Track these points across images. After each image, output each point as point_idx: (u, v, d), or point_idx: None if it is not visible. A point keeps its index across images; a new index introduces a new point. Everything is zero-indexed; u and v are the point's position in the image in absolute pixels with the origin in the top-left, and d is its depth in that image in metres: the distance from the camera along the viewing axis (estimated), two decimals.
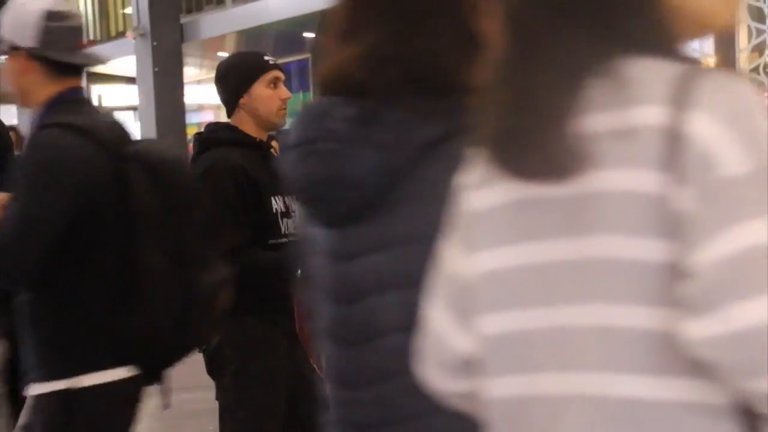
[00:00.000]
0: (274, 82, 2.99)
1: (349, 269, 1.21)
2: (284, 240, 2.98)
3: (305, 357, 2.98)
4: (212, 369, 3.00)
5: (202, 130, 3.14)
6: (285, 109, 3.02)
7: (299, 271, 2.25)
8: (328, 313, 1.25)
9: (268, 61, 3.02)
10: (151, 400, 2.50)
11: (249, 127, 3.00)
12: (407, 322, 1.14)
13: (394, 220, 1.18)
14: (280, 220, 2.98)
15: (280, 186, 2.98)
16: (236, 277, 2.88)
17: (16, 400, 4.03)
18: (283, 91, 3.01)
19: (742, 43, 9.95)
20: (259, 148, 3.01)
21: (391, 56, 1.18)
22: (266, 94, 2.97)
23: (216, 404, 3.05)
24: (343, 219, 1.21)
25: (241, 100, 2.99)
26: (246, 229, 2.89)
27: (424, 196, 1.16)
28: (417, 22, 1.18)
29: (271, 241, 2.95)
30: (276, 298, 2.92)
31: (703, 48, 10.60)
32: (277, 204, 2.97)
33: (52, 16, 2.33)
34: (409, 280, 1.16)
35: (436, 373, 1.08)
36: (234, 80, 3.01)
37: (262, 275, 2.93)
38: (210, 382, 3.06)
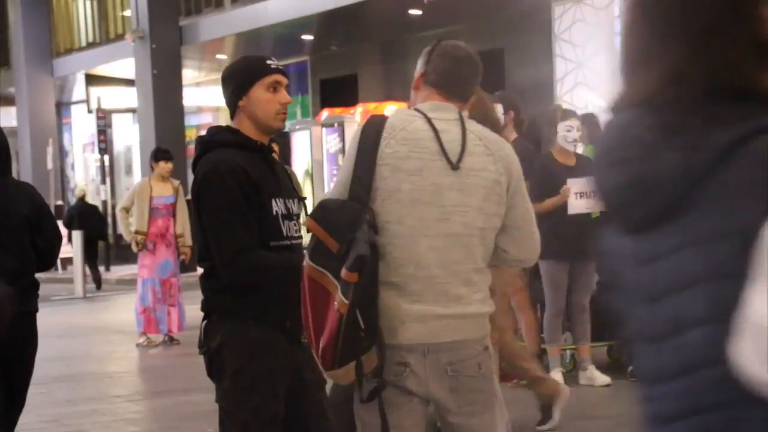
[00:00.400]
0: (274, 86, 2.97)
1: (654, 269, 1.27)
2: (286, 242, 2.97)
3: (305, 359, 2.97)
4: (212, 371, 2.98)
5: (204, 132, 3.13)
6: (284, 113, 3.01)
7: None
8: (635, 314, 1.32)
9: (269, 65, 2.99)
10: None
11: (249, 130, 2.99)
12: (713, 314, 1.20)
13: (698, 219, 1.23)
14: (281, 222, 2.96)
15: (282, 189, 2.99)
16: (243, 278, 2.88)
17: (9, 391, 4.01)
18: (282, 95, 2.98)
19: None
20: (260, 150, 3.01)
21: (691, 73, 1.26)
22: (264, 98, 2.96)
23: (214, 406, 3.04)
24: (647, 222, 1.26)
25: (240, 103, 2.97)
26: (253, 229, 2.89)
27: (728, 194, 1.22)
28: (713, 36, 1.25)
29: (273, 243, 2.94)
30: (277, 300, 2.91)
31: None
32: (277, 206, 2.95)
33: None
34: (716, 274, 1.22)
35: (759, 361, 1.13)
36: (234, 83, 3.00)
37: (268, 276, 2.93)
38: (208, 384, 3.05)
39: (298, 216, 3.04)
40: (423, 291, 2.55)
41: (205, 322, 2.99)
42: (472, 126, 2.68)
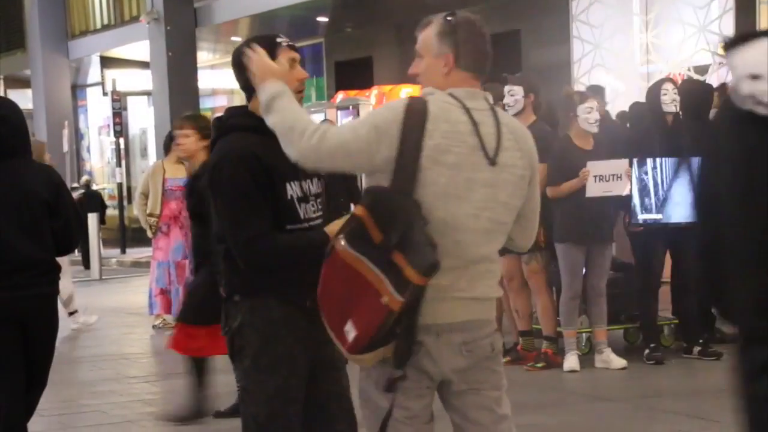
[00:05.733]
0: (290, 64, 2.94)
1: None
2: (304, 225, 2.96)
3: (325, 338, 2.97)
4: (233, 351, 2.99)
5: (222, 113, 3.10)
6: (302, 90, 2.97)
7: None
8: None
9: (280, 42, 2.96)
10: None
11: None
12: None
13: None
14: (297, 206, 2.95)
15: (298, 171, 2.96)
16: (257, 264, 2.87)
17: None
18: (298, 71, 2.94)
19: (764, 22, 9.81)
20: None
21: None
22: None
23: (229, 387, 3.04)
24: None
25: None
26: (265, 215, 2.87)
27: None
28: None
29: (289, 227, 2.93)
30: (297, 280, 2.91)
31: (722, 31, 10.49)
32: (292, 190, 2.94)
33: None
34: None
35: None
36: (247, 65, 2.92)
37: (282, 260, 2.92)
38: (223, 366, 3.05)
39: (317, 195, 3.02)
40: (438, 276, 2.54)
41: (226, 302, 2.98)
42: (504, 118, 2.66)
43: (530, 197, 2.71)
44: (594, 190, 6.27)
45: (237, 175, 2.85)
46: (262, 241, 2.84)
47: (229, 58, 3.05)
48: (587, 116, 6.34)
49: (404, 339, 2.49)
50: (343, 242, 2.48)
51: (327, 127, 2.59)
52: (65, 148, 20.12)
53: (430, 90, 2.62)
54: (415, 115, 2.53)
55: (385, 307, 2.42)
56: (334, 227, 2.88)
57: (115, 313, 10.55)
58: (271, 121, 2.66)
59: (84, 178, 17.31)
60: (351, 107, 14.12)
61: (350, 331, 2.48)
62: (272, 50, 2.93)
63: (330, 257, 2.51)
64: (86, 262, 15.37)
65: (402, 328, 2.46)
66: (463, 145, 2.55)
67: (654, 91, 6.58)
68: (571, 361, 6.39)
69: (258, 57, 2.80)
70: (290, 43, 2.98)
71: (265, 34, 3.08)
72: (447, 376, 2.60)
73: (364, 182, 2.70)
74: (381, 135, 2.52)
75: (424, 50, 2.66)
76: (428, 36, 2.64)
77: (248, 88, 2.97)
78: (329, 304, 2.53)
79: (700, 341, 6.58)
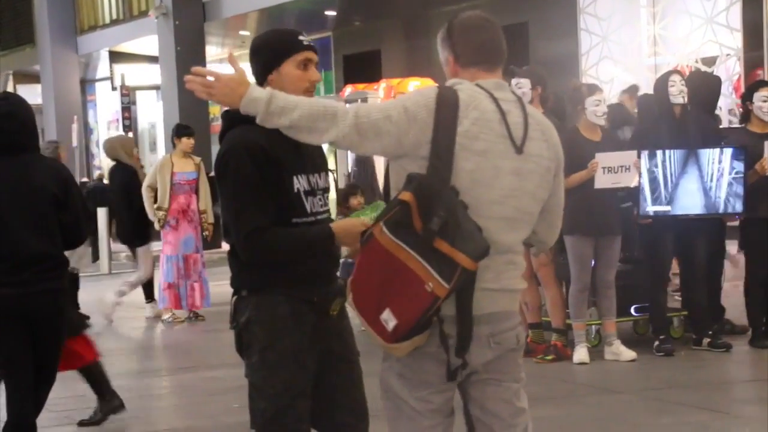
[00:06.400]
0: (305, 63, 2.91)
1: None
2: (311, 218, 2.96)
3: (334, 333, 2.97)
4: (240, 347, 3.00)
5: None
6: (312, 91, 2.97)
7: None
8: None
9: (301, 41, 2.95)
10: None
11: None
12: None
13: None
14: (304, 199, 2.95)
15: (306, 165, 2.97)
16: (258, 257, 2.88)
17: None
18: (312, 72, 2.94)
19: None
20: None
21: None
22: (295, 74, 2.90)
23: (240, 382, 3.05)
24: None
25: (270, 77, 2.90)
26: (268, 209, 2.88)
27: None
28: None
29: (295, 220, 2.93)
30: (304, 275, 2.91)
31: (730, 22, 10.46)
32: (299, 183, 2.94)
33: None
34: None
35: None
36: (265, 56, 2.96)
37: (283, 254, 2.92)
38: (234, 360, 3.06)
39: (324, 190, 3.02)
40: None
41: (235, 297, 2.99)
42: (531, 109, 2.68)
43: (555, 191, 2.73)
44: (602, 181, 6.27)
45: (242, 167, 2.85)
46: (263, 234, 2.84)
47: (238, 53, 3.05)
48: (595, 108, 6.34)
49: (463, 327, 2.49)
50: (384, 229, 2.45)
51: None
52: (74, 143, 20.18)
53: (458, 80, 2.63)
54: (447, 102, 2.54)
55: (430, 294, 2.40)
56: (340, 224, 2.89)
57: (124, 308, 10.59)
58: (286, 121, 2.55)
59: (97, 173, 17.42)
60: (359, 101, 14.12)
61: (389, 320, 2.45)
62: (287, 50, 2.93)
63: (368, 244, 2.48)
64: (95, 257, 15.42)
65: (439, 317, 2.46)
66: (491, 133, 2.56)
67: (662, 83, 6.57)
68: (580, 354, 6.39)
69: (212, 80, 2.61)
70: (310, 43, 2.98)
71: (290, 29, 3.08)
72: (475, 368, 2.60)
73: (390, 168, 2.67)
74: (411, 119, 2.52)
75: (441, 61, 2.71)
76: (438, 48, 2.69)
77: (259, 78, 2.97)
78: (365, 292, 2.49)
79: (710, 333, 6.58)
